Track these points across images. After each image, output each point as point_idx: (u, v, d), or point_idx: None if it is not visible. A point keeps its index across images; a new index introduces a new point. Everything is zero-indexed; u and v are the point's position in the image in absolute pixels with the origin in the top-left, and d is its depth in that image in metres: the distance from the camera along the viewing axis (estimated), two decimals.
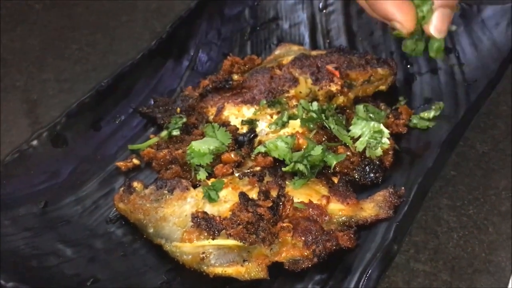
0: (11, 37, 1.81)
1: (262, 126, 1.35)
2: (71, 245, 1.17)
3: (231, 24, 1.68)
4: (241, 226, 1.10)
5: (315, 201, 1.17)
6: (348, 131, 1.29)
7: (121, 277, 1.12)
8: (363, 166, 1.27)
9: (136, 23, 1.87)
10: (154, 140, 1.37)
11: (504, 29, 1.47)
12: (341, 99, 1.41)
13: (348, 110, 1.39)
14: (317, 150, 1.24)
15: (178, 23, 1.59)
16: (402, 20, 1.17)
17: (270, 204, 1.13)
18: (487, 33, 1.50)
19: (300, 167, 1.23)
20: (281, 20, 1.71)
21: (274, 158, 1.27)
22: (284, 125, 1.33)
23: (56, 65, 1.72)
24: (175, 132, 1.37)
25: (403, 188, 1.20)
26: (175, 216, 1.17)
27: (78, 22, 1.88)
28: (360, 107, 1.33)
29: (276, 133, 1.33)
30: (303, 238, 1.11)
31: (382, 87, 1.47)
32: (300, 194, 1.19)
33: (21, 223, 1.18)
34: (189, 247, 1.12)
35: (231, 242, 1.11)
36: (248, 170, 1.25)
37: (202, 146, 1.27)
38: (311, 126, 1.31)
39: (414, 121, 1.37)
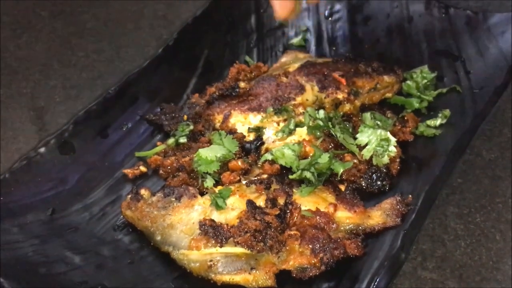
0: (17, 44, 1.81)
1: (269, 134, 1.35)
2: (78, 252, 1.17)
3: (237, 31, 1.68)
4: (248, 234, 1.11)
5: (322, 209, 1.17)
6: (355, 138, 1.29)
7: (129, 284, 1.12)
8: (370, 174, 1.27)
9: (143, 31, 1.87)
10: (161, 147, 1.38)
11: (510, 37, 1.47)
12: (347, 107, 1.41)
13: (354, 118, 1.39)
14: (324, 158, 1.24)
15: (185, 31, 1.59)
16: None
17: (278, 212, 1.14)
18: (493, 40, 1.50)
19: (307, 174, 1.23)
20: (287, 28, 1.72)
21: (281, 165, 1.28)
22: (291, 132, 1.34)
23: (63, 72, 1.73)
24: (182, 140, 1.37)
25: (410, 196, 1.20)
26: (182, 224, 1.17)
27: (84, 29, 1.88)
28: (367, 115, 1.33)
29: (283, 140, 1.33)
30: (310, 246, 1.11)
31: (389, 95, 1.47)
32: (307, 202, 1.19)
33: (29, 230, 1.18)
34: (196, 255, 1.12)
35: (238, 250, 1.11)
36: (255, 178, 1.25)
37: (209, 153, 1.28)
38: (318, 133, 1.32)
39: (421, 128, 1.37)
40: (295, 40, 1.69)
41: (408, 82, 1.48)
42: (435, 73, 1.49)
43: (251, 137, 1.36)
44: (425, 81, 1.47)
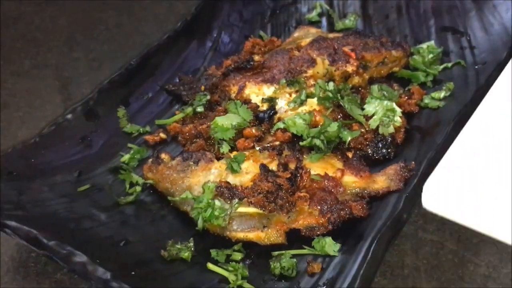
0: (42, 18, 1.89)
1: (281, 104, 1.42)
2: (104, 210, 1.25)
3: (252, 7, 1.74)
4: (261, 195, 1.18)
5: (330, 174, 1.24)
6: (362, 109, 1.36)
7: (150, 240, 1.21)
8: (376, 142, 1.34)
9: (161, 5, 1.94)
10: (179, 115, 1.45)
11: None
12: (356, 80, 1.47)
13: (362, 90, 1.46)
14: (333, 127, 1.31)
15: (202, 6, 1.65)
16: None
17: (289, 175, 1.20)
18: (498, 17, 1.55)
19: (317, 142, 1.30)
20: (299, 4, 1.77)
21: (292, 133, 1.34)
22: (302, 103, 1.40)
23: (86, 45, 1.81)
24: (199, 109, 1.44)
25: (413, 162, 1.26)
26: (200, 185, 1.24)
27: (104, 4, 1.95)
28: (375, 87, 1.39)
29: (294, 110, 1.40)
30: (319, 207, 1.19)
31: (396, 69, 1.53)
32: (316, 167, 1.26)
33: (58, 189, 1.26)
34: None
35: (252, 209, 1.18)
36: (268, 145, 1.32)
37: (225, 121, 1.34)
38: (328, 104, 1.38)
39: (426, 101, 1.43)
40: (310, 16, 1.75)
41: (415, 56, 1.54)
42: (441, 48, 1.55)
43: (264, 107, 1.42)
44: (431, 55, 1.53)
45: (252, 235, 1.18)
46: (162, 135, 1.43)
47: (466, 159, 0.97)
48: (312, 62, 1.47)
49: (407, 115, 1.40)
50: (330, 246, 1.15)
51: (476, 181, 0.93)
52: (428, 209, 0.96)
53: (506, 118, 1.01)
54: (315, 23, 1.74)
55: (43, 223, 1.16)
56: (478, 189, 0.92)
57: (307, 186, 1.22)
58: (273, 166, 1.24)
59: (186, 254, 1.16)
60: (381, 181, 1.25)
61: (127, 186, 1.31)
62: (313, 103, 1.40)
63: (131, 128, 1.43)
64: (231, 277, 1.12)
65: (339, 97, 1.37)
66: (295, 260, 1.14)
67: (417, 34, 1.63)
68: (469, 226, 0.92)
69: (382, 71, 1.52)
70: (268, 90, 1.45)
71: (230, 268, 1.13)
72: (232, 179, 1.24)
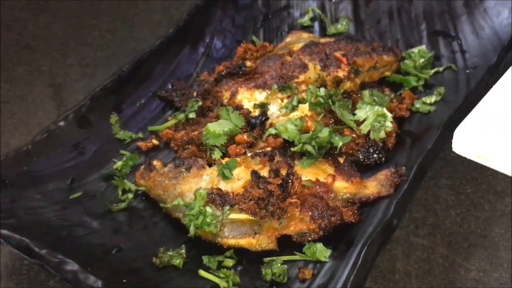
0: (36, 24, 1.90)
1: (273, 110, 1.43)
2: (96, 217, 1.25)
3: (244, 12, 1.75)
4: (252, 202, 1.19)
5: (321, 180, 1.25)
6: (354, 114, 1.36)
7: (142, 247, 1.21)
8: (367, 147, 1.34)
9: (154, 11, 1.94)
10: (172, 122, 1.45)
11: (504, 18, 1.53)
12: (348, 85, 1.48)
13: (354, 95, 1.47)
14: (324, 132, 1.31)
15: (195, 11, 1.66)
16: None
17: (280, 182, 1.21)
18: (488, 21, 1.56)
19: (308, 148, 1.31)
20: (292, 9, 1.78)
21: (284, 139, 1.35)
22: (293, 108, 1.41)
23: (79, 51, 1.81)
24: (192, 115, 1.44)
25: (403, 167, 1.27)
26: (191, 192, 1.24)
27: (98, 10, 1.96)
28: (366, 92, 1.39)
29: (286, 116, 1.41)
30: (310, 213, 1.19)
31: (387, 73, 1.54)
32: (307, 173, 1.27)
33: (50, 197, 1.27)
34: None
35: (243, 216, 1.19)
36: (260, 151, 1.33)
37: (217, 127, 1.35)
38: (319, 110, 1.39)
39: (417, 105, 1.44)
40: (303, 20, 1.76)
41: (406, 61, 1.54)
42: (432, 52, 1.56)
43: (256, 112, 1.43)
44: (423, 60, 1.54)
45: (243, 242, 1.19)
46: (155, 141, 1.44)
47: (500, 107, 1.00)
48: (304, 68, 1.48)
49: (398, 119, 1.41)
50: (321, 252, 1.16)
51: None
52: (458, 153, 1.01)
53: None
54: (308, 28, 1.74)
55: (35, 231, 1.16)
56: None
57: (298, 192, 1.23)
58: (264, 172, 1.25)
59: (177, 261, 1.17)
60: (372, 186, 1.26)
61: (120, 193, 1.32)
62: (304, 108, 1.40)
63: (124, 135, 1.44)
64: (222, 284, 1.13)
65: (331, 103, 1.38)
66: (286, 266, 1.15)
67: (408, 39, 1.64)
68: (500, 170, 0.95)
69: (373, 76, 1.53)
70: (260, 96, 1.45)
71: (222, 275, 1.14)
72: (223, 186, 1.25)
